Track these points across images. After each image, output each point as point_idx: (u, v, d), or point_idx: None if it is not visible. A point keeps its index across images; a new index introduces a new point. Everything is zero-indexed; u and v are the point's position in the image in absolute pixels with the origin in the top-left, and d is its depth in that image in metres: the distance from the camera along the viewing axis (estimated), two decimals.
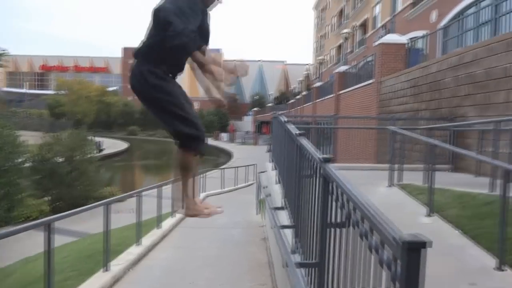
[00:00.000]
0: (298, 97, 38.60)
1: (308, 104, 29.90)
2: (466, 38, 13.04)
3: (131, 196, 7.57)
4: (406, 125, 10.13)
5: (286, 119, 5.17)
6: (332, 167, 2.32)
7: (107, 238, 5.00)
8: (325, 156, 2.27)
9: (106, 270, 5.03)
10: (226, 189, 17.20)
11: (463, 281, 3.38)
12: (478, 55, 7.78)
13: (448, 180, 6.74)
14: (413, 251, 1.03)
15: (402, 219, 5.02)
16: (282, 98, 66.08)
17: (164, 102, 2.30)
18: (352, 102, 17.29)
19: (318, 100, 25.96)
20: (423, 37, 13.52)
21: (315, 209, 2.68)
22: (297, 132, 3.77)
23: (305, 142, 3.28)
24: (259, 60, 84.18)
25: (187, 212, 2.59)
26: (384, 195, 6.11)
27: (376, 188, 6.47)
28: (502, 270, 3.51)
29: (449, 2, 18.13)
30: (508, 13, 11.54)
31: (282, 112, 12.88)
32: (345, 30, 20.62)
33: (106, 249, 5.00)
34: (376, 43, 14.13)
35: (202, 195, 15.49)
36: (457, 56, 8.54)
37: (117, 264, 5.31)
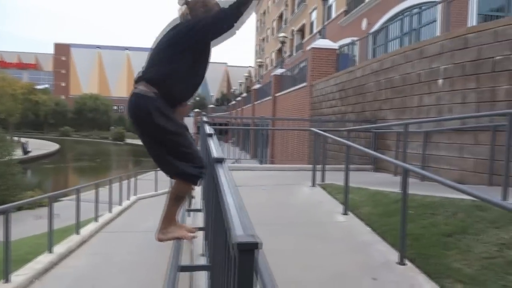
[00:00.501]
0: (238, 98, 38.73)
1: (248, 105, 30.10)
2: (392, 46, 13.79)
3: (41, 200, 7.04)
4: (336, 127, 10.49)
5: (205, 120, 5.09)
6: (225, 167, 2.25)
7: (7, 246, 4.59)
8: (217, 156, 2.20)
9: (6, 281, 4.61)
10: (160, 191, 16.75)
11: (366, 276, 3.50)
12: (395, 61, 8.23)
13: (368, 180, 7.06)
14: (245, 252, 0.98)
15: (319, 218, 5.16)
16: (224, 100, 66.03)
17: (170, 143, 2.22)
18: (287, 104, 17.63)
19: (257, 102, 26.22)
20: (350, 44, 14.08)
21: (211, 210, 2.62)
22: (208, 132, 3.71)
23: (211, 142, 3.21)
24: None
25: (169, 235, 2.46)
26: (306, 194, 6.24)
27: (300, 188, 6.59)
28: (403, 264, 3.68)
29: (377, 12, 19.17)
30: (427, 24, 12.39)
31: (205, 113, 12.79)
32: (281, 34, 21.00)
33: (5, 258, 4.59)
34: (308, 47, 14.51)
35: (133, 197, 14.95)
36: (378, 62, 8.99)
37: (21, 274, 4.90)
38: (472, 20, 12.01)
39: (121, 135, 63.27)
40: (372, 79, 9.27)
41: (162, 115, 2.17)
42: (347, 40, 20.30)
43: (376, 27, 18.55)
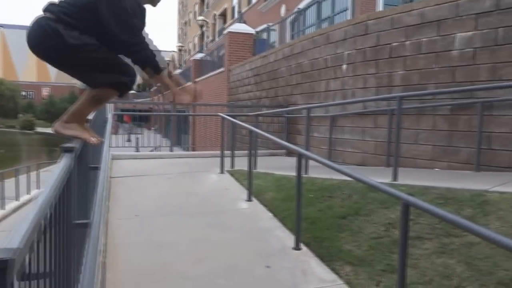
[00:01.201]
0: (159, 84, 37.32)
1: (169, 91, 29.08)
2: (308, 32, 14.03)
3: None
4: (252, 112, 10.43)
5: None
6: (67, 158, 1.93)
7: None
8: (63, 145, 1.88)
9: None
10: None
11: (261, 264, 3.41)
12: (305, 46, 8.31)
13: (279, 164, 7.06)
14: None
15: (222, 206, 5.01)
16: (146, 85, 63.42)
17: (91, 60, 2.12)
18: (207, 89, 17.27)
19: (178, 88, 25.40)
20: (266, 29, 14.08)
21: None
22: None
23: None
24: None
25: (69, 131, 2.23)
26: (213, 182, 6.06)
27: (209, 175, 6.39)
28: (299, 249, 3.66)
29: None
30: (340, 12, 12.75)
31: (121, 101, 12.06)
32: (200, 18, 20.44)
33: None
34: (225, 31, 14.24)
35: (35, 191, 13.71)
36: (289, 47, 9.02)
37: None
38: (379, 8, 12.62)
39: (30, 124, 58.09)
40: (284, 64, 9.31)
41: (76, 38, 2.11)
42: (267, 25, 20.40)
43: (294, 15, 18.82)
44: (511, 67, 4.96)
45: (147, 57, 2.15)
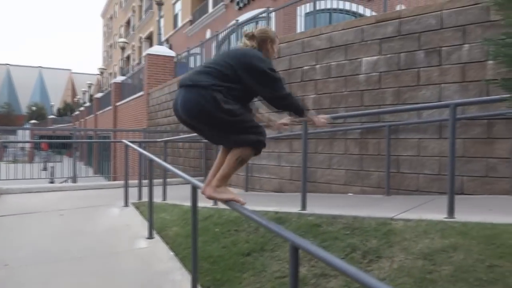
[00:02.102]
0: (81, 108, 35.29)
1: (90, 116, 27.56)
2: None
3: None
4: (171, 137, 9.86)
5: None
6: None
7: None
8: None
9: None
10: None
11: None
12: None
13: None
14: None
15: (117, 246, 4.38)
16: (68, 109, 59.70)
17: (239, 123, 2.37)
18: (127, 114, 16.39)
19: (99, 112, 24.08)
20: (186, 51, 13.74)
21: None
22: None
23: None
24: (38, 66, 74.18)
25: (223, 195, 2.55)
26: (113, 217, 5.40)
27: (110, 210, 5.72)
28: None
29: (220, 23, 19.41)
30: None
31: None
32: (121, 40, 19.59)
33: None
34: (144, 53, 13.65)
35: None
36: None
37: None
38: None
39: None
40: None
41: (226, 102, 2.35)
42: (194, 51, 20.13)
43: (219, 38, 18.76)
44: (414, 91, 5.04)
45: (296, 106, 2.45)
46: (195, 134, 7.29)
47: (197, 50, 15.13)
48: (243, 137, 2.42)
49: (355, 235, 3.32)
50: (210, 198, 2.56)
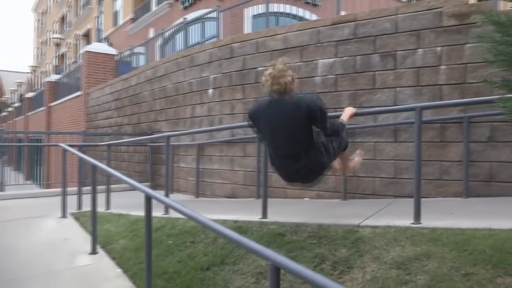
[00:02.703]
0: (10, 109, 32.58)
1: (20, 117, 25.50)
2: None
3: None
4: (113, 140, 9.22)
5: None
6: None
7: None
8: None
9: None
10: None
11: None
12: (168, 69, 7.63)
13: (139, 201, 6.10)
14: None
15: (56, 264, 3.85)
16: None
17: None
18: (63, 115, 15.24)
19: (30, 113, 22.30)
20: (130, 51, 13.04)
21: None
22: None
23: None
24: None
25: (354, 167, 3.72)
26: (51, 229, 4.83)
27: (45, 222, 5.12)
28: None
29: (164, 22, 18.75)
30: (210, 38, 12.47)
31: None
32: (55, 36, 18.25)
33: None
34: (82, 51, 12.76)
35: None
36: (152, 69, 8.23)
37: None
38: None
39: None
40: (147, 87, 8.46)
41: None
42: (136, 49, 19.25)
43: (165, 36, 18.11)
44: (370, 94, 5.02)
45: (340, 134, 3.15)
46: (141, 137, 6.73)
47: (141, 49, 14.46)
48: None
49: (323, 244, 3.14)
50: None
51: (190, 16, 16.53)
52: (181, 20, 16.90)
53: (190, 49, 7.16)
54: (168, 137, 4.65)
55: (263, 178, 4.06)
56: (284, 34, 5.73)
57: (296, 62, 5.60)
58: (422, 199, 4.63)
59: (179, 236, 3.97)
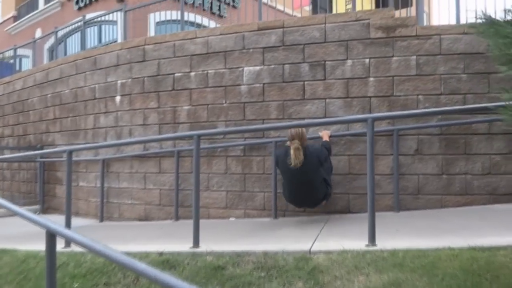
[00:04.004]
0: None
1: None
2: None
3: None
4: None
5: None
6: None
7: None
8: None
9: None
10: None
11: None
12: (65, 72, 6.55)
13: (29, 230, 4.95)
14: None
15: None
16: None
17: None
18: None
19: None
20: (13, 49, 11.26)
21: None
22: None
23: None
24: None
25: None
26: None
27: None
28: None
29: (54, 23, 16.79)
30: (110, 43, 11.33)
31: None
32: None
33: None
34: None
35: None
36: (43, 71, 7.03)
37: None
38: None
39: None
40: (36, 93, 7.19)
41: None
42: (20, 51, 16.88)
43: (52, 39, 16.19)
44: (299, 105, 4.77)
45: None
46: (34, 152, 5.60)
47: (26, 52, 12.60)
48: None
49: (274, 278, 2.68)
50: None
51: (86, 17, 15.06)
52: (75, 20, 15.34)
53: (93, 50, 6.23)
54: (70, 151, 3.77)
55: (193, 198, 3.46)
56: (205, 38, 5.23)
57: (220, 69, 5.12)
58: (355, 215, 4.51)
59: (88, 276, 3.16)
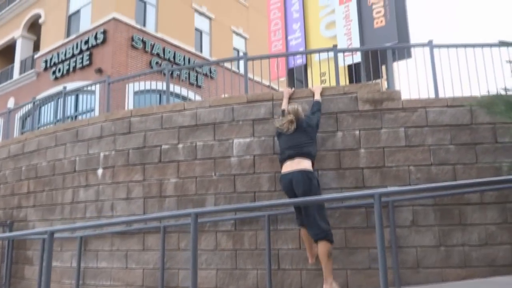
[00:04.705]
0: None
1: None
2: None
3: None
4: None
5: None
6: None
7: None
8: None
9: None
10: None
11: None
12: (43, 143, 6.32)
13: None
14: None
15: None
16: None
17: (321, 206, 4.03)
18: None
19: None
20: None
21: None
22: None
23: None
24: None
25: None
26: None
27: None
28: None
29: (28, 93, 16.68)
30: (88, 112, 11.24)
31: None
32: None
33: None
34: None
35: None
36: (19, 143, 6.76)
37: None
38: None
39: None
40: (9, 165, 6.84)
41: (318, 185, 4.14)
42: None
43: (26, 108, 15.95)
44: None
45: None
46: (13, 234, 5.14)
47: None
48: (325, 224, 3.96)
49: None
50: None
51: (62, 87, 15.01)
52: (57, 91, 15.26)
53: (75, 122, 6.07)
54: (52, 232, 3.46)
55: (191, 277, 3.18)
56: (194, 110, 5.21)
57: (209, 141, 5.06)
58: None
59: None
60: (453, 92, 5.41)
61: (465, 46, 5.40)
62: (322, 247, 3.86)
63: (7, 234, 5.86)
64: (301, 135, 4.16)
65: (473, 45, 5.39)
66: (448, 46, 5.39)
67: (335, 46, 5.79)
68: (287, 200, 4.18)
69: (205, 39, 17.11)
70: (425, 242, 4.34)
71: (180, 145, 5.17)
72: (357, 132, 4.67)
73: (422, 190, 4.00)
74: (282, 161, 4.22)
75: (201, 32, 16.89)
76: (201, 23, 16.98)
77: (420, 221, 4.39)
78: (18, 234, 5.20)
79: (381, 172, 4.55)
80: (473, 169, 4.42)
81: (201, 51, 16.66)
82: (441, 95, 5.20)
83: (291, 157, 4.11)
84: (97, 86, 10.86)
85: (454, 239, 4.30)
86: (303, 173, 3.98)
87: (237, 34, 18.64)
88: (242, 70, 6.06)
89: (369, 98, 4.73)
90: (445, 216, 4.35)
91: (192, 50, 15.96)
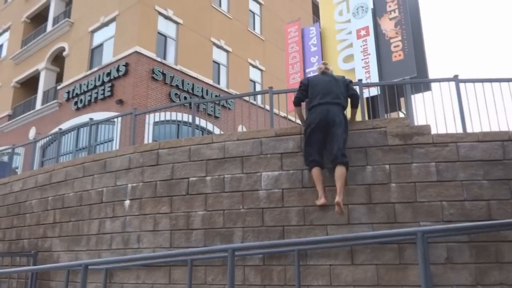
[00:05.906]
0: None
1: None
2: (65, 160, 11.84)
3: None
4: None
5: None
6: None
7: None
8: None
9: None
10: None
11: None
12: (70, 174, 6.41)
13: None
14: None
15: None
16: None
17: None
18: None
19: None
20: (11, 149, 11.17)
21: None
22: None
23: None
24: None
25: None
26: None
27: None
28: None
29: (50, 123, 17.09)
30: (107, 141, 11.46)
31: None
32: None
33: None
34: None
35: None
36: (46, 173, 6.87)
37: None
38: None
39: None
40: (36, 195, 6.93)
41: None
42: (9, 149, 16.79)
43: (47, 138, 16.28)
44: (321, 211, 4.66)
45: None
46: (44, 266, 5.18)
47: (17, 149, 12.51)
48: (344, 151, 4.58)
49: None
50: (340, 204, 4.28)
51: (83, 118, 15.33)
52: (74, 120, 15.59)
53: (103, 153, 6.17)
54: (86, 265, 3.46)
55: None
56: (222, 143, 5.27)
57: (236, 174, 5.08)
58: None
59: None
60: (481, 126, 5.41)
61: (490, 81, 5.43)
62: (341, 169, 4.43)
63: (39, 266, 5.87)
64: (338, 87, 4.70)
65: (499, 80, 5.42)
66: (474, 81, 5.43)
67: (360, 80, 5.86)
68: (330, 237, 4.14)
69: (223, 71, 17.48)
70: (461, 280, 4.21)
71: (208, 178, 5.20)
72: (387, 166, 4.65)
73: (465, 229, 3.92)
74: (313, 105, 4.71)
75: (219, 65, 17.28)
76: (219, 55, 17.40)
77: (455, 258, 4.27)
78: (50, 267, 5.19)
79: (413, 207, 4.48)
80: (508, 204, 4.33)
81: (218, 82, 16.98)
82: (468, 129, 5.20)
83: (326, 96, 4.64)
84: (119, 118, 11.08)
85: (491, 277, 4.17)
86: (340, 107, 4.61)
87: (254, 66, 19.00)
88: (259, 102, 6.19)
89: (399, 133, 4.74)
90: (481, 253, 4.24)
91: (210, 82, 16.27)
